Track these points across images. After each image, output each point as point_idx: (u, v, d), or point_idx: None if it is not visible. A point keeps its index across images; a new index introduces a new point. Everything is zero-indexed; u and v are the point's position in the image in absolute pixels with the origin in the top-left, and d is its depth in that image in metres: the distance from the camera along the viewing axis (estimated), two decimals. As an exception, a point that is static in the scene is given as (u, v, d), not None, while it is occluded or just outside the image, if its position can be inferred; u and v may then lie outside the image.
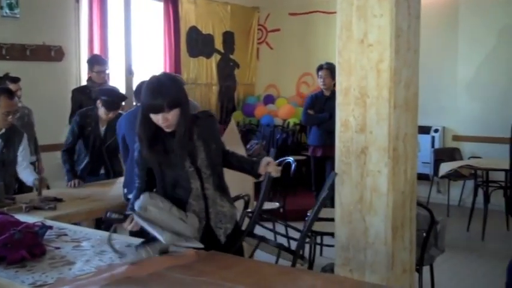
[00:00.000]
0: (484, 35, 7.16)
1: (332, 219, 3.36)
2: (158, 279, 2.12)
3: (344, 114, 3.21)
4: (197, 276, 2.13)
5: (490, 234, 5.89)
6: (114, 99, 4.43)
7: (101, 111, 4.42)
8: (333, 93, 5.51)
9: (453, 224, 6.14)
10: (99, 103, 4.42)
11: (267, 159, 2.76)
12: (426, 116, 6.77)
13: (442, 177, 6.53)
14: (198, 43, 8.37)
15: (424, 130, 7.29)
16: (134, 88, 4.36)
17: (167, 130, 2.55)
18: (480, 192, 6.21)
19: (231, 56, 9.04)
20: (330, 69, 5.78)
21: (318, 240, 4.55)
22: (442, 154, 7.09)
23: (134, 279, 2.10)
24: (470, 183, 6.74)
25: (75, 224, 3.24)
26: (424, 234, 3.57)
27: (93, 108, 4.52)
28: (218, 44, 8.78)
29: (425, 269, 3.77)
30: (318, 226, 4.06)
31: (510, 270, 3.88)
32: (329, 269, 4.20)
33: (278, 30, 9.19)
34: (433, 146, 7.44)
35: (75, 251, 2.47)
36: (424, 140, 7.34)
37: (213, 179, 2.65)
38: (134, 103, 4.37)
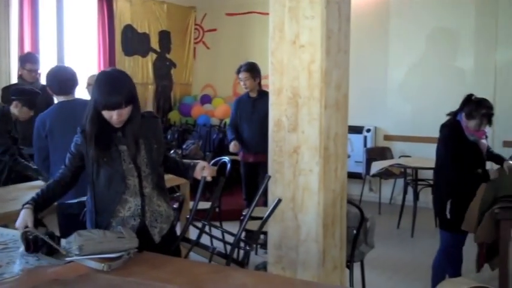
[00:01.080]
0: (414, 38, 7.38)
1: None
2: (86, 280, 2.09)
3: (277, 113, 3.26)
4: (127, 277, 2.11)
5: (419, 230, 6.09)
6: (33, 96, 4.36)
7: (23, 110, 4.30)
8: (260, 93, 5.30)
9: (384, 221, 6.33)
10: (18, 104, 4.29)
11: (202, 163, 2.77)
12: (359, 116, 6.95)
13: (374, 175, 6.71)
14: (133, 42, 8.27)
15: (357, 130, 7.47)
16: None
17: (118, 126, 2.53)
18: (410, 190, 6.42)
19: (168, 56, 8.98)
20: (249, 71, 5.30)
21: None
22: (374, 153, 7.27)
23: (61, 281, 2.06)
24: (400, 182, 6.94)
25: (3, 226, 3.14)
26: (354, 231, 3.67)
27: (6, 113, 4.33)
28: (154, 43, 8.70)
29: (356, 266, 3.87)
30: (251, 225, 4.08)
31: (434, 267, 4.06)
32: (262, 267, 4.26)
33: (215, 30, 9.19)
34: (365, 145, 7.61)
35: (1, 253, 2.40)
36: (357, 139, 7.53)
37: (152, 177, 2.63)
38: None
